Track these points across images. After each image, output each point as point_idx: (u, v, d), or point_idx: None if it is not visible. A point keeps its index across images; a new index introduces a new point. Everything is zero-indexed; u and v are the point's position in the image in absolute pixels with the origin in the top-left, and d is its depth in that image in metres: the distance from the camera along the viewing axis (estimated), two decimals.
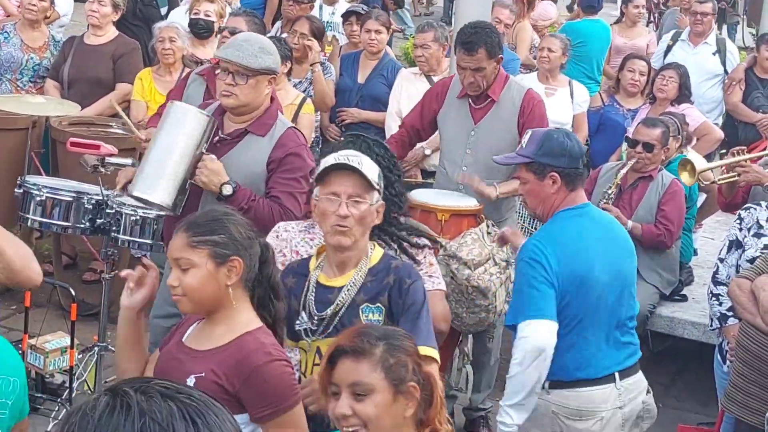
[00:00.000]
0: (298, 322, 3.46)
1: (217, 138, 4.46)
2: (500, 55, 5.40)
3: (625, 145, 6.67)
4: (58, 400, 5.16)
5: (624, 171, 5.87)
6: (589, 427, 4.03)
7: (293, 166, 4.45)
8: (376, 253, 3.54)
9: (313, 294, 3.47)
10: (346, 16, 8.00)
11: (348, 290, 3.45)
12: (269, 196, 4.42)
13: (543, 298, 3.90)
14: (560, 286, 3.90)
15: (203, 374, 3.01)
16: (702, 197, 6.60)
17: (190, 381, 3.00)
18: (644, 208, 5.86)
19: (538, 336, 3.86)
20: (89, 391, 5.14)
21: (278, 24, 8.71)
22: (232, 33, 5.79)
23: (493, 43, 5.33)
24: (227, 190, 4.36)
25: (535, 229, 6.11)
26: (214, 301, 3.05)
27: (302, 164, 4.47)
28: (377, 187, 3.44)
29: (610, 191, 5.85)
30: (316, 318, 3.45)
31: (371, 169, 3.45)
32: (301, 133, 4.67)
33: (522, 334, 3.89)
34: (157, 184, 4.35)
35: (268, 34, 8.04)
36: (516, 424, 3.91)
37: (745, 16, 16.47)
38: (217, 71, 4.45)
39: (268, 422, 3.02)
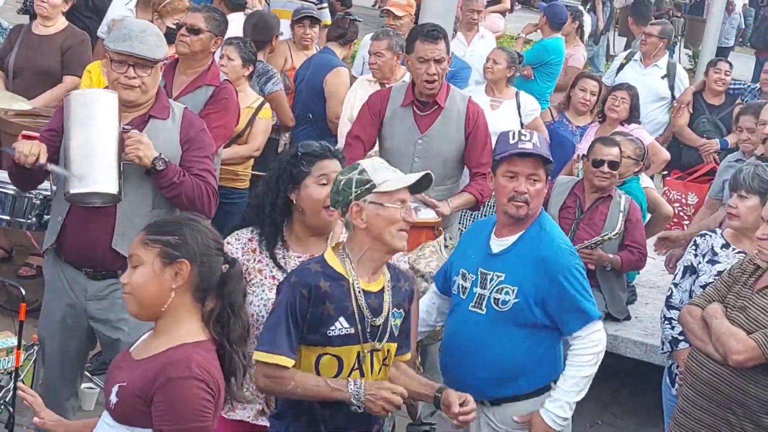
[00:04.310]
0: (333, 327, 3.46)
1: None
2: (449, 56, 5.53)
3: (579, 164, 6.71)
4: (0, 402, 5.01)
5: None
6: None
7: (204, 144, 4.48)
8: None
9: (363, 300, 3.51)
10: (299, 19, 7.87)
11: (389, 294, 3.57)
12: (192, 174, 4.38)
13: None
14: None
15: (125, 383, 2.95)
16: (647, 216, 6.67)
17: (114, 389, 2.96)
18: (609, 229, 5.91)
19: (603, 334, 4.12)
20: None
21: None
22: (192, 31, 5.67)
23: (448, 42, 5.48)
24: (161, 164, 4.28)
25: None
26: (156, 304, 2.97)
27: (210, 142, 4.54)
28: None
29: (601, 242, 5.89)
30: (370, 324, 3.50)
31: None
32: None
33: (596, 331, 4.07)
34: (97, 174, 4.18)
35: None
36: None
37: (682, 38, 16.81)
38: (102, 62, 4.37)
39: None
